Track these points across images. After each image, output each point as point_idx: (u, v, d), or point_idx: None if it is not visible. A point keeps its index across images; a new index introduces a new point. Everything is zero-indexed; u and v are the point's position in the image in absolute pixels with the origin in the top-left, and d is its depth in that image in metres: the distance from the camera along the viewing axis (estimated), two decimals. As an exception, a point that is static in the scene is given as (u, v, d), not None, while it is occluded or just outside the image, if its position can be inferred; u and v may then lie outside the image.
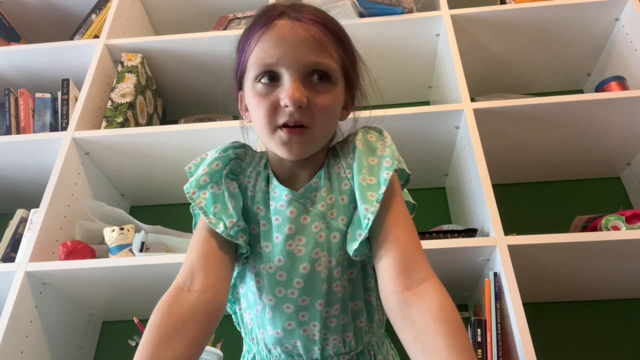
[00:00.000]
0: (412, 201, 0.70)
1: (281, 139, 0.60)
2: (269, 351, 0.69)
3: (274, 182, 0.67)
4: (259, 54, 0.60)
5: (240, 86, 0.67)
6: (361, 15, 1.45)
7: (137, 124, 1.44)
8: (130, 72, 1.46)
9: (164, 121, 1.69)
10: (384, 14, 1.45)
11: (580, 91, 1.67)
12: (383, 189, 0.60)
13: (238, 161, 0.69)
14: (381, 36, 1.48)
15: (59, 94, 1.47)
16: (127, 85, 1.43)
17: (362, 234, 0.60)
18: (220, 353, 1.08)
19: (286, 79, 0.59)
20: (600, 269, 1.14)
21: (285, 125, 0.60)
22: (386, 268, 0.58)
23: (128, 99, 1.40)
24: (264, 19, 0.61)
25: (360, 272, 0.66)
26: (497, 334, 0.98)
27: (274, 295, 0.65)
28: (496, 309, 0.99)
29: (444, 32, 1.42)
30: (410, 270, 0.56)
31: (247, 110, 0.67)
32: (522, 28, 1.47)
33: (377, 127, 0.70)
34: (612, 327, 1.24)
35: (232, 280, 0.68)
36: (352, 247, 0.61)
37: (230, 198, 0.65)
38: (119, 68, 1.48)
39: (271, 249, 0.65)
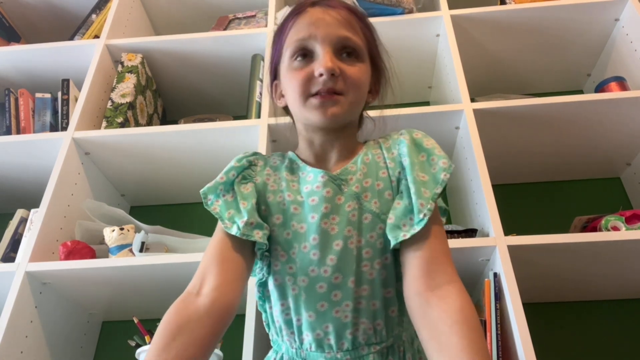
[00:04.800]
0: (444, 206, 0.73)
1: (314, 104, 0.65)
2: (301, 343, 0.68)
3: (307, 168, 0.71)
4: (294, 35, 0.67)
5: (274, 76, 0.73)
6: (361, 15, 1.45)
7: (137, 124, 1.44)
8: (131, 72, 1.46)
9: (164, 121, 1.69)
10: (384, 14, 1.45)
11: (580, 91, 1.67)
12: (440, 188, 0.63)
13: (253, 167, 0.73)
14: (381, 36, 1.47)
15: (59, 94, 1.47)
16: (127, 85, 1.44)
17: (408, 226, 0.62)
18: (220, 353, 1.08)
19: (320, 52, 0.65)
20: (600, 269, 1.14)
21: (317, 94, 0.65)
22: (412, 268, 0.60)
23: (128, 99, 1.40)
24: (297, 9, 0.69)
25: (394, 260, 0.67)
26: (497, 334, 0.98)
27: (307, 275, 0.66)
28: (496, 309, 0.99)
29: (443, 33, 1.42)
30: (434, 272, 0.59)
31: (280, 97, 0.73)
32: (522, 28, 1.47)
33: (421, 131, 0.73)
34: (612, 327, 1.24)
35: (262, 278, 0.70)
36: (400, 236, 0.62)
37: (242, 200, 0.68)
38: (119, 68, 1.48)
39: (306, 229, 0.67)
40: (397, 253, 0.67)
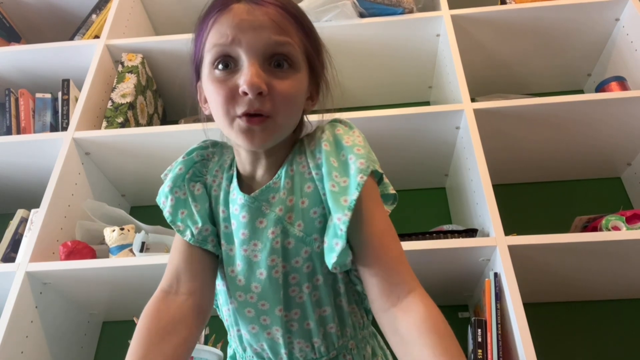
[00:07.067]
0: (391, 192, 0.65)
1: (240, 127, 0.56)
2: (244, 350, 0.69)
3: (234, 182, 0.64)
4: (215, 38, 0.56)
5: (198, 76, 0.62)
6: (361, 15, 1.45)
7: (138, 124, 1.44)
8: (131, 72, 1.46)
9: (165, 121, 1.69)
10: (384, 14, 1.45)
11: (581, 91, 1.67)
12: (355, 194, 0.55)
13: (204, 162, 0.67)
14: (381, 36, 1.48)
15: (60, 94, 1.47)
16: (128, 85, 1.43)
17: (340, 243, 0.55)
18: (221, 353, 1.08)
19: (244, 63, 0.55)
20: (601, 269, 1.13)
21: (244, 114, 0.55)
22: (371, 286, 0.57)
23: (128, 99, 1.40)
24: (219, 3, 0.57)
25: (328, 278, 0.64)
26: (497, 334, 0.98)
27: (235, 298, 0.64)
28: (496, 309, 0.99)
29: (444, 32, 1.42)
30: (393, 286, 0.55)
31: (206, 102, 0.62)
32: (522, 28, 1.47)
33: (346, 121, 0.65)
34: (612, 327, 1.24)
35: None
36: (331, 259, 0.56)
37: (194, 202, 0.64)
38: (120, 68, 1.48)
39: (234, 253, 0.64)
40: (331, 271, 0.61)
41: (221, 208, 0.64)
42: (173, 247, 0.64)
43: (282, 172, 0.62)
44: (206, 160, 0.67)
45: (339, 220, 0.55)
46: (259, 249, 0.61)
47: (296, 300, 0.63)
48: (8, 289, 1.08)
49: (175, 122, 1.56)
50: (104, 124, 1.36)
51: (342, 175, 0.58)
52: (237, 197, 0.63)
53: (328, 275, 0.63)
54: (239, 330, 0.67)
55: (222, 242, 0.64)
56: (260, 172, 0.63)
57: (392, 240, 0.58)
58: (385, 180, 0.65)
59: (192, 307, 0.59)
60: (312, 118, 0.69)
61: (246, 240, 0.62)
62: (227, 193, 0.65)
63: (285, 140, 0.63)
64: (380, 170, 0.61)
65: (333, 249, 0.56)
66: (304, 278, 0.62)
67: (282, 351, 0.66)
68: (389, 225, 0.59)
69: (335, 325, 0.66)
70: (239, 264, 0.63)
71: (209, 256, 0.63)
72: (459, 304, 1.28)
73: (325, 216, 0.61)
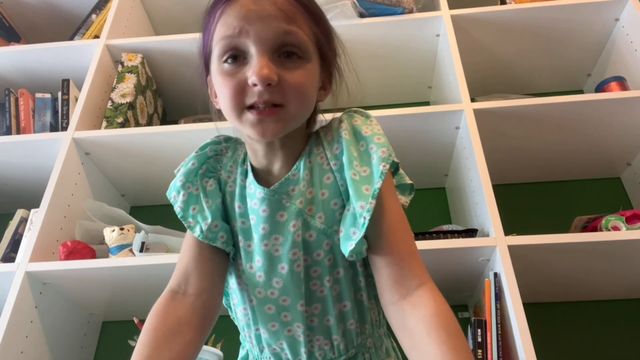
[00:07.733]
0: (408, 182, 0.65)
1: (250, 120, 0.55)
2: (261, 350, 0.68)
3: (250, 177, 0.63)
4: (222, 30, 0.55)
5: (208, 70, 0.61)
6: (361, 15, 1.45)
7: (137, 124, 1.44)
8: (131, 72, 1.46)
9: (164, 121, 1.69)
10: (384, 14, 1.45)
11: (580, 91, 1.67)
12: (379, 183, 0.55)
13: (217, 157, 0.67)
14: (381, 36, 1.48)
15: (59, 94, 1.47)
16: (127, 85, 1.43)
17: (357, 232, 0.55)
18: (220, 353, 1.08)
19: (253, 55, 0.54)
20: (601, 269, 1.13)
21: (253, 107, 0.54)
22: (382, 277, 0.57)
23: (128, 99, 1.40)
24: None
25: (349, 271, 0.63)
26: (497, 334, 0.98)
27: (255, 296, 0.63)
28: (496, 309, 0.99)
29: (444, 33, 1.42)
30: (404, 278, 0.55)
31: (217, 96, 0.61)
32: (522, 28, 1.47)
33: (362, 111, 0.65)
34: (612, 327, 1.24)
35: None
36: (348, 247, 0.56)
37: (205, 198, 0.63)
38: (119, 68, 1.48)
39: (253, 249, 0.63)
40: (352, 264, 0.63)
41: (237, 204, 0.63)
42: (183, 246, 0.64)
43: (301, 163, 0.61)
44: (220, 156, 0.67)
45: (362, 208, 0.55)
46: (280, 243, 0.61)
47: (317, 294, 0.63)
48: (8, 289, 1.08)
49: (175, 122, 1.56)
50: (104, 124, 1.35)
51: (362, 165, 0.58)
52: (255, 191, 0.62)
53: (348, 269, 0.63)
54: (257, 330, 0.66)
55: (240, 238, 0.63)
56: (277, 166, 0.62)
57: (405, 232, 0.58)
58: (401, 170, 0.65)
59: (200, 308, 0.59)
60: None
61: (267, 234, 0.61)
62: (243, 188, 0.64)
63: (299, 132, 0.62)
64: (396, 160, 0.61)
65: (350, 238, 0.56)
66: (325, 271, 0.62)
67: (302, 350, 0.65)
68: (403, 217, 0.59)
69: (355, 321, 0.65)
70: (259, 260, 0.62)
71: (219, 255, 0.63)
72: (458, 304, 1.29)
73: (345, 207, 0.60)
